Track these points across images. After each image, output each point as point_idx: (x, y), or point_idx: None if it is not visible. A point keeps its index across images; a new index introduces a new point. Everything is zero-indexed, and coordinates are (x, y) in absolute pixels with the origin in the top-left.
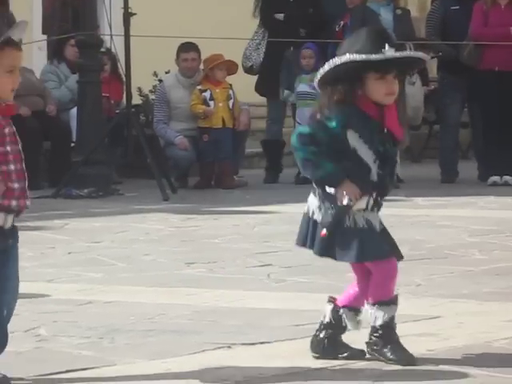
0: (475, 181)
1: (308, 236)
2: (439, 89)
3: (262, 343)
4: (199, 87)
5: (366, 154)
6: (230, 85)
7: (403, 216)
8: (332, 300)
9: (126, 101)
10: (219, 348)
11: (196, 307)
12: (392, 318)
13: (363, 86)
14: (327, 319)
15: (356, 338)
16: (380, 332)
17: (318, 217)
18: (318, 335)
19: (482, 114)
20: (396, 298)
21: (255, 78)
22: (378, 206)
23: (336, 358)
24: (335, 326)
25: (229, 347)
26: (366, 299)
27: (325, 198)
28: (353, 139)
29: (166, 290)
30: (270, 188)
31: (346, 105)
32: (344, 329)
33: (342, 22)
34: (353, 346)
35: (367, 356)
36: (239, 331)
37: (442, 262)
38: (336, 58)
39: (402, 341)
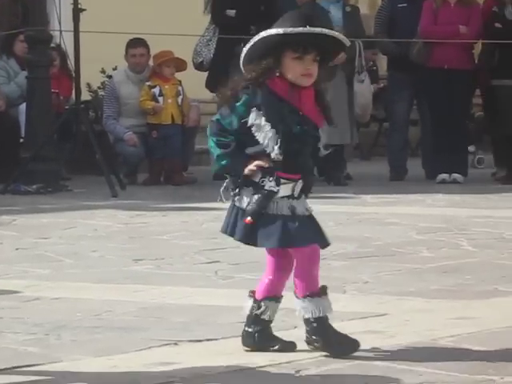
0: (424, 178)
1: (229, 223)
2: (388, 86)
3: (208, 340)
4: (148, 83)
5: (269, 134)
6: (180, 81)
7: (352, 213)
8: (252, 294)
9: (75, 97)
10: (166, 345)
11: (143, 304)
12: (324, 309)
13: (281, 65)
14: (249, 313)
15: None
16: (314, 325)
17: (240, 203)
18: (247, 329)
19: (431, 112)
20: (324, 288)
21: (205, 74)
22: (304, 191)
23: (267, 351)
24: (261, 319)
25: (175, 344)
26: (291, 289)
27: (248, 185)
28: (257, 118)
29: (113, 286)
30: (219, 185)
31: (257, 84)
32: (270, 321)
33: None
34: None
35: (310, 348)
36: (186, 328)
37: (389, 259)
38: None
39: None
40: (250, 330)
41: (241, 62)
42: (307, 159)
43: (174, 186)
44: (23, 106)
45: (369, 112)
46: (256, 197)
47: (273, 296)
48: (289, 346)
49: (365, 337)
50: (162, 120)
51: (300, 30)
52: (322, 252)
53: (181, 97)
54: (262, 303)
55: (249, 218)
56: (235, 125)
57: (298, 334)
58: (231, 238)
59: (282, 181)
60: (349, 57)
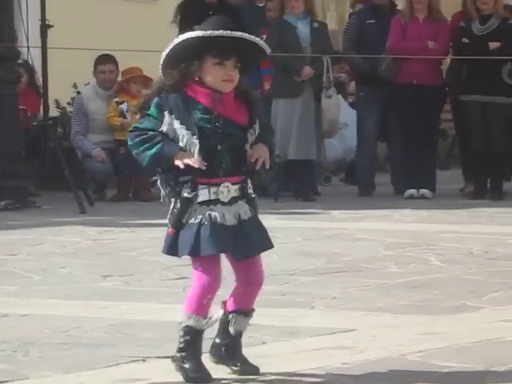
0: (392, 194)
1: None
2: (356, 102)
3: (172, 356)
4: (116, 99)
5: (185, 136)
6: None
7: (320, 229)
8: (223, 306)
9: (43, 113)
10: (134, 361)
11: (111, 320)
12: (195, 333)
13: (201, 71)
14: (219, 325)
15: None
16: (181, 346)
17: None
18: (215, 340)
19: (400, 127)
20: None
21: None
22: (244, 197)
23: (229, 367)
24: (228, 333)
25: (143, 360)
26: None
27: (170, 194)
28: (171, 121)
29: (81, 302)
30: None
31: (174, 90)
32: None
33: (263, 36)
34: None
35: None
36: (154, 344)
37: (357, 275)
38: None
39: (309, 354)
40: (217, 341)
41: (160, 65)
42: (226, 159)
43: (143, 202)
44: None
45: (337, 128)
46: (175, 206)
47: (240, 309)
48: (251, 370)
49: (333, 352)
50: None
51: (219, 32)
52: (291, 267)
53: None
54: (230, 315)
55: (170, 229)
56: (152, 126)
57: (266, 350)
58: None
59: (201, 186)
60: (316, 72)
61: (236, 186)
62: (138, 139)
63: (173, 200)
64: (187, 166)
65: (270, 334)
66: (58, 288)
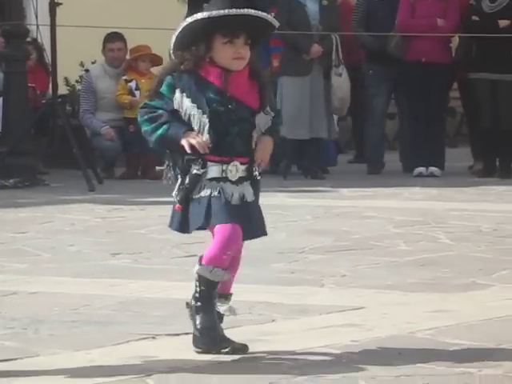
0: (401, 172)
1: (170, 215)
2: (365, 80)
3: (186, 334)
4: (125, 77)
5: (196, 115)
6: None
7: (329, 207)
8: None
9: (51, 91)
10: (144, 339)
11: (121, 298)
12: (213, 285)
13: (211, 51)
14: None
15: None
16: (197, 296)
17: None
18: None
19: (408, 105)
20: (227, 269)
21: None
22: (249, 178)
23: (219, 353)
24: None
25: (153, 338)
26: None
27: (177, 170)
28: (182, 99)
29: (90, 280)
30: None
31: (187, 72)
32: (220, 319)
33: (272, 14)
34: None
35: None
36: (164, 322)
37: (367, 252)
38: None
39: (318, 332)
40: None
41: (171, 48)
42: (236, 141)
43: (151, 180)
44: (0, 101)
45: (346, 105)
46: (183, 182)
47: (221, 293)
48: (240, 349)
49: (343, 330)
50: None
51: (225, 12)
52: (300, 245)
53: None
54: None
55: (177, 205)
56: (162, 104)
57: (276, 327)
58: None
59: (210, 163)
60: (326, 50)
61: (243, 166)
62: (146, 116)
63: (180, 177)
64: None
65: (280, 311)
66: (67, 266)
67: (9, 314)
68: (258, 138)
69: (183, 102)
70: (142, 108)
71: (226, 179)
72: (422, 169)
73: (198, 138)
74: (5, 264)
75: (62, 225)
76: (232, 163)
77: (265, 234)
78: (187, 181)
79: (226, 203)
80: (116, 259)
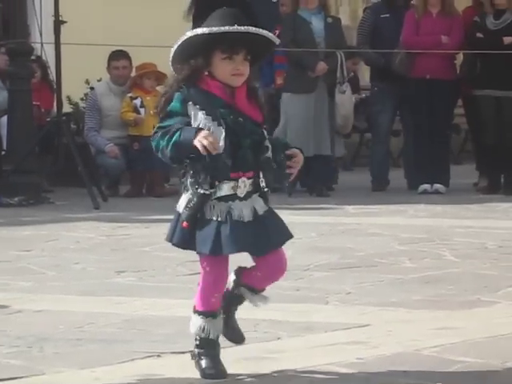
0: (406, 189)
1: (171, 228)
2: (370, 97)
3: (191, 352)
4: (130, 94)
5: (212, 127)
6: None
7: (334, 224)
8: (237, 272)
9: (56, 109)
10: (149, 357)
11: (126, 316)
12: (211, 331)
13: (210, 66)
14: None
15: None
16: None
17: (179, 208)
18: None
19: (413, 122)
20: (217, 310)
21: None
22: (257, 191)
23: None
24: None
25: (158, 356)
26: None
27: (187, 187)
28: (194, 111)
29: (95, 298)
30: None
31: (188, 85)
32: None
33: (276, 32)
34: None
35: None
36: (168, 340)
37: (371, 270)
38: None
39: (323, 349)
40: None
41: (169, 61)
42: (247, 154)
43: (156, 198)
44: (4, 119)
45: (350, 123)
46: (191, 200)
47: (253, 287)
48: (237, 338)
49: (348, 347)
50: (143, 132)
51: (226, 29)
52: (305, 262)
53: None
54: (241, 287)
55: (184, 223)
56: (175, 123)
57: (281, 345)
58: None
59: (219, 181)
60: (330, 68)
61: (250, 181)
62: (159, 135)
63: (188, 192)
64: (206, 162)
65: (285, 329)
66: (72, 284)
67: (14, 333)
68: (290, 150)
69: (198, 115)
70: (155, 133)
71: (234, 196)
72: (426, 186)
73: (209, 138)
74: (10, 282)
75: (67, 243)
76: (241, 179)
77: (290, 237)
78: (195, 199)
79: (231, 231)
80: (121, 277)
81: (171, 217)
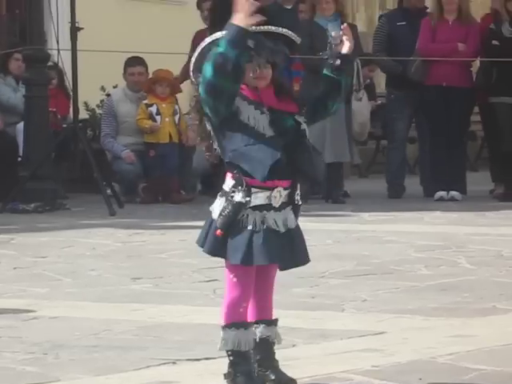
0: (422, 196)
1: (203, 233)
2: (386, 104)
3: (207, 359)
4: (145, 101)
5: (255, 114)
6: (176, 99)
7: (350, 231)
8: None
9: (72, 115)
10: (164, 364)
11: (141, 323)
12: (243, 343)
13: None
14: None
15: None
16: (230, 358)
17: (214, 215)
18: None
19: (429, 129)
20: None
21: None
22: (290, 202)
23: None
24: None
25: (174, 363)
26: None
27: (223, 194)
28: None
29: (111, 305)
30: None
31: None
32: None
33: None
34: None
35: None
36: (184, 347)
37: (387, 277)
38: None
39: (339, 357)
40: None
41: (190, 70)
42: (283, 159)
43: (172, 205)
44: (21, 125)
45: (367, 130)
46: (226, 208)
47: (263, 319)
48: (285, 380)
49: (363, 355)
50: (159, 139)
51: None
52: (321, 269)
53: (178, 115)
54: (254, 325)
55: (218, 230)
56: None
57: (296, 352)
58: None
59: (254, 190)
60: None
61: (286, 192)
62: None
63: (223, 198)
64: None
65: (300, 336)
66: (87, 290)
67: (29, 339)
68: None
69: (241, 104)
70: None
71: (269, 206)
72: (442, 193)
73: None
74: (26, 288)
75: (83, 249)
76: (276, 189)
77: (308, 261)
78: (230, 207)
79: (264, 242)
80: (137, 284)
81: (187, 223)
